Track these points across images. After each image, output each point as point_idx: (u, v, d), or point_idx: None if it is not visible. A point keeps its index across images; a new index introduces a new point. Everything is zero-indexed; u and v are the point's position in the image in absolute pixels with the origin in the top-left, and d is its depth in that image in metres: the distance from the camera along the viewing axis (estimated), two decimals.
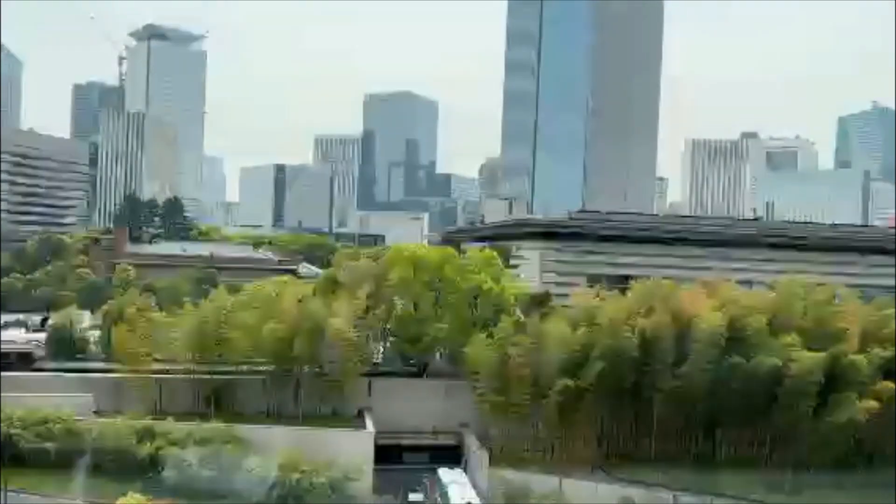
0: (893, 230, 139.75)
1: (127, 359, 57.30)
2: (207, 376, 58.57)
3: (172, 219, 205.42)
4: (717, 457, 54.91)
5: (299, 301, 61.47)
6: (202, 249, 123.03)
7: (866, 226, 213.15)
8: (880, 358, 56.04)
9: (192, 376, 58.46)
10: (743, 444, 55.13)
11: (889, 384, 54.11)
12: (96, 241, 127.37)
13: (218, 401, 58.02)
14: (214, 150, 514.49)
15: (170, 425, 52.20)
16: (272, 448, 51.07)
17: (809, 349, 54.92)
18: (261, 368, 59.75)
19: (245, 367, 59.54)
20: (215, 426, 52.38)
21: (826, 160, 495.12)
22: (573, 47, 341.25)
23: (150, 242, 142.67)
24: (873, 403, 52.58)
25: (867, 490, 50.63)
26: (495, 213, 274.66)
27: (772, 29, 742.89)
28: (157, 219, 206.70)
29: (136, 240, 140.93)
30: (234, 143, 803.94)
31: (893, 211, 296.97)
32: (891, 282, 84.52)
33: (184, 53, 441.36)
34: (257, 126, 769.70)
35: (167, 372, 58.38)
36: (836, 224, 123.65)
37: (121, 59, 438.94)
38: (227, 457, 49.72)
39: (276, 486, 48.50)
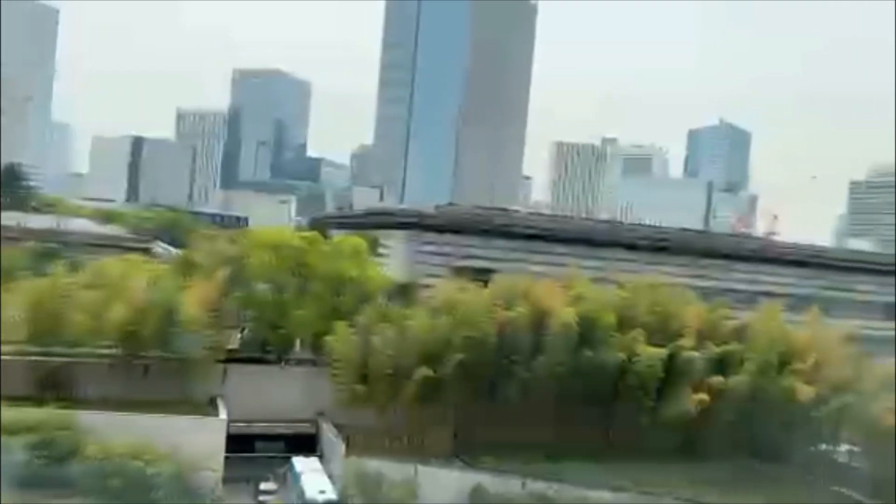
0: (731, 236, 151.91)
1: None
2: (44, 358, 54.38)
3: (11, 187, 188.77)
4: (567, 445, 57.35)
5: (150, 282, 58.32)
6: (45, 222, 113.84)
7: (709, 232, 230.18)
8: (714, 354, 60.71)
9: (27, 358, 54.03)
10: (590, 434, 57.92)
11: (720, 379, 58.70)
12: None
13: (56, 385, 53.94)
14: (65, 116, 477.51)
15: None
16: (115, 436, 48.10)
17: (652, 344, 58.57)
18: (105, 352, 56.21)
19: (87, 350, 55.78)
20: (50, 412, 48.64)
21: (676, 169, 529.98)
22: (450, 41, 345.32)
23: None
24: (704, 397, 56.87)
25: (696, 479, 54.50)
26: (365, 200, 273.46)
27: (634, 43, 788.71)
28: None
29: None
30: (87, 112, 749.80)
31: (732, 218, 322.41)
32: (727, 284, 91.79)
33: (33, 9, 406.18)
34: (114, 95, 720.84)
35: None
36: (684, 229, 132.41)
37: None
38: (63, 445, 46.39)
39: (117, 476, 45.80)
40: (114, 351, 56.05)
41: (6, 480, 43.23)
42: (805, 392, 58.69)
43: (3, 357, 53.49)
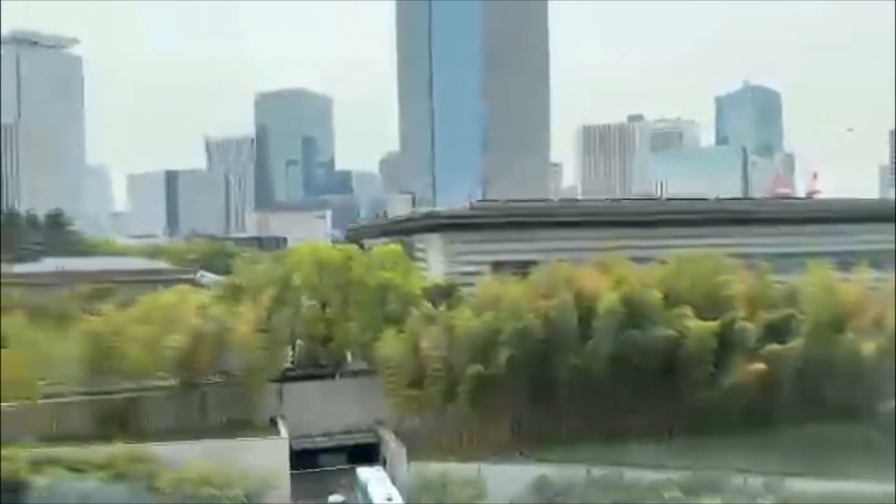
0: (770, 200, 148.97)
1: (14, 385, 53.82)
2: (105, 396, 55.92)
3: (57, 233, 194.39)
4: (626, 428, 56.91)
5: (200, 310, 59.57)
6: (91, 264, 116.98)
7: (747, 198, 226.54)
8: (766, 321, 59.60)
9: (88, 397, 55.64)
10: (647, 415, 57.33)
11: (775, 346, 57.55)
12: None
13: (119, 421, 55.47)
14: (98, 158, 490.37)
15: (67, 452, 49.45)
16: (182, 464, 49.29)
17: (702, 318, 57.77)
18: (163, 383, 57.58)
19: (147, 383, 57.21)
20: (118, 447, 50.06)
21: (707, 139, 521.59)
22: (464, 35, 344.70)
23: (34, 260, 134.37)
24: (762, 366, 55.85)
25: (762, 451, 53.65)
26: (399, 207, 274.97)
27: (648, 22, 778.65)
28: (40, 234, 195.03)
29: (18, 258, 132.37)
30: (120, 151, 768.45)
31: (769, 180, 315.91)
32: (771, 249, 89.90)
33: (57, 59, 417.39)
34: (143, 132, 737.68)
35: (61, 395, 55.33)
36: (719, 198, 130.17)
37: None
38: (133, 478, 47.70)
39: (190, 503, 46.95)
40: (171, 381, 57.38)
41: None
42: (866, 349, 57.38)
43: (66, 400, 55.37)
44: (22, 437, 50.69)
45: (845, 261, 70.63)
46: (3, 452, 48.97)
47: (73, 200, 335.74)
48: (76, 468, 47.80)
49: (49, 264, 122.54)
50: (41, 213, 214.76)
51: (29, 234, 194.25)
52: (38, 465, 47.71)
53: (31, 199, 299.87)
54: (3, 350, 56.08)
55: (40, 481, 46.73)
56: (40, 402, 53.89)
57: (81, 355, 55.41)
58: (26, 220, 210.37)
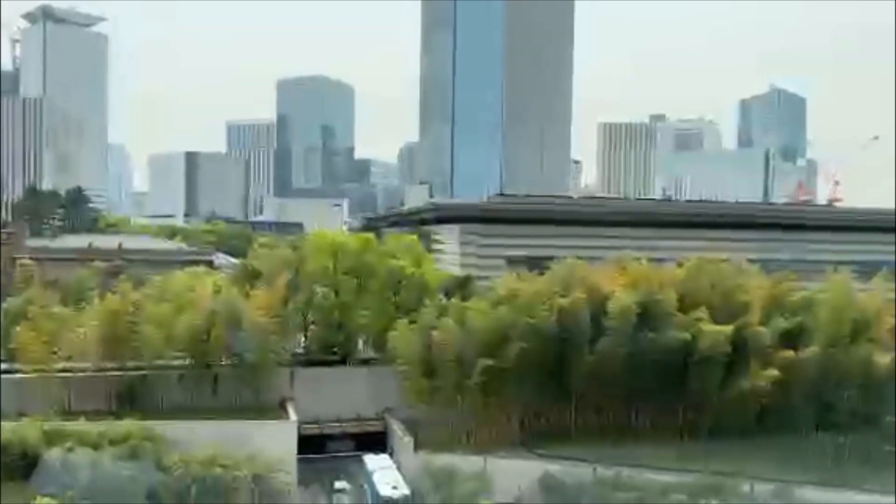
0: (792, 206, 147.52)
1: (30, 358, 54.53)
2: (119, 373, 56.47)
3: (77, 210, 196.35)
4: (635, 429, 56.80)
5: (214, 292, 59.96)
6: (110, 242, 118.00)
7: (768, 203, 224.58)
8: (782, 328, 59.05)
9: (103, 374, 56.20)
10: (657, 416, 57.16)
11: (789, 353, 57.03)
12: None
13: (132, 398, 56.05)
14: (120, 137, 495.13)
15: (81, 425, 50.06)
16: (191, 444, 49.67)
17: (717, 322, 57.33)
18: (176, 363, 58.04)
19: (160, 362, 57.68)
20: (130, 424, 50.55)
21: (729, 141, 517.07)
22: (487, 31, 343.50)
23: (53, 236, 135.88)
24: (775, 372, 55.37)
25: (772, 457, 53.28)
26: (416, 197, 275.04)
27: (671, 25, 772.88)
28: (60, 210, 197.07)
29: (37, 234, 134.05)
30: (142, 131, 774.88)
31: (792, 186, 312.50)
32: (791, 255, 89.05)
33: (83, 36, 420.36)
34: (166, 113, 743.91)
35: (75, 370, 55.94)
36: (740, 202, 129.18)
37: (14, 42, 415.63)
38: (144, 455, 48.14)
39: (196, 483, 47.30)
40: (184, 361, 57.83)
41: (102, 492, 45.15)
42: (883, 360, 56.73)
43: (81, 374, 56.00)
44: (36, 410, 51.45)
45: (865, 270, 69.77)
46: (18, 424, 49.71)
47: (93, 179, 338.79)
48: (89, 443, 48.30)
49: (68, 241, 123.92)
50: (62, 190, 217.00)
51: (49, 210, 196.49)
52: (51, 437, 48.33)
53: (53, 176, 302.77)
54: (20, 322, 56.84)
55: (53, 454, 47.29)
56: (55, 375, 54.51)
57: (97, 331, 55.94)
58: (47, 197, 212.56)
